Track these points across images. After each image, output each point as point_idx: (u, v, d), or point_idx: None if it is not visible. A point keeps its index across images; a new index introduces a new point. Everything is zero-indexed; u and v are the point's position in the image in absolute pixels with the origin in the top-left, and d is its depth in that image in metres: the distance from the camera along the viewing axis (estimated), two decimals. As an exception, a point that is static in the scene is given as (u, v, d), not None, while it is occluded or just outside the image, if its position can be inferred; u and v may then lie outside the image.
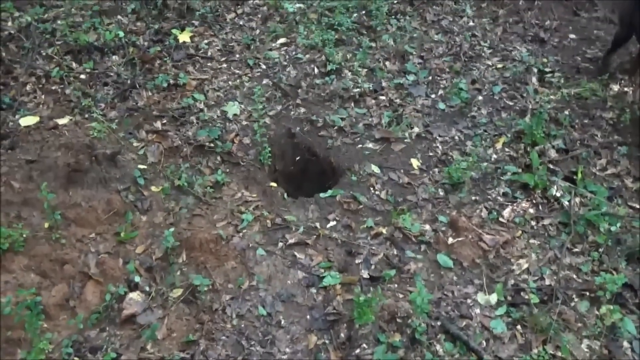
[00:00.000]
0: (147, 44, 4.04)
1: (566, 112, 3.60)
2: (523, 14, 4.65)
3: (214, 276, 2.65)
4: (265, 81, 3.86)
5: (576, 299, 2.60)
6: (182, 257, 2.72)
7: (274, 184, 3.23)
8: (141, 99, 3.61)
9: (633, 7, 3.61)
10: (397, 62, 4.08)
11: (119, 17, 4.30)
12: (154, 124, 3.42)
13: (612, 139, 3.40)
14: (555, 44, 4.33)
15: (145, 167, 3.14)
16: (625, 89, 3.79)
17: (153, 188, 3.03)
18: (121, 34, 4.00)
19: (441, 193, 3.15)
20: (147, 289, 2.57)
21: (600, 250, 2.79)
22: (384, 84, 3.88)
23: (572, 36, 4.40)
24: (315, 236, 2.90)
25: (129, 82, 3.69)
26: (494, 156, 3.35)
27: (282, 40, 4.23)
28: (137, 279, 2.58)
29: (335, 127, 3.54)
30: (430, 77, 3.95)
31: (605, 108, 3.61)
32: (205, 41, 4.17)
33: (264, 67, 3.99)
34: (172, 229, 2.76)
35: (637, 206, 3.02)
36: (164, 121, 3.47)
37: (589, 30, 4.43)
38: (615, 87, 3.80)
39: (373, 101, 3.77)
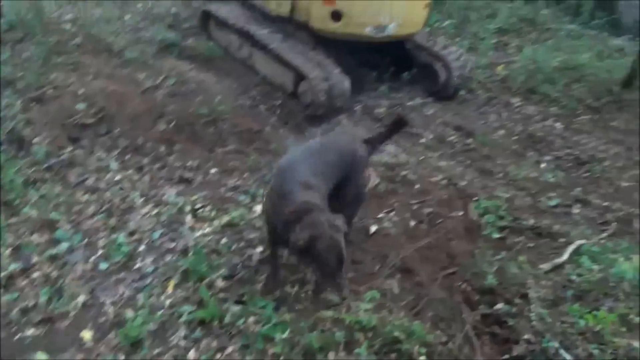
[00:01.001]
0: None
1: (223, 241, 3.89)
2: (166, 158, 4.95)
3: None
4: None
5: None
6: None
7: None
8: None
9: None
10: (46, 233, 3.84)
11: None
12: None
13: (266, 254, 3.78)
14: (200, 180, 4.71)
15: None
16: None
17: None
18: None
19: (122, 357, 2.98)
20: None
21: (282, 358, 3.01)
22: (35, 259, 3.58)
23: (213, 170, 4.87)
24: None
25: None
26: (168, 301, 3.37)
27: None
28: None
29: (-18, 324, 3.08)
30: (86, 240, 3.82)
31: (254, 228, 4.03)
32: None
33: None
34: None
35: (300, 307, 3.39)
36: None
37: (225, 163, 4.97)
38: (258, 207, 4.31)
39: (25, 281, 3.43)
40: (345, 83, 5.83)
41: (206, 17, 7.54)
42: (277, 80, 6.33)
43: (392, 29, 6.02)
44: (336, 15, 5.84)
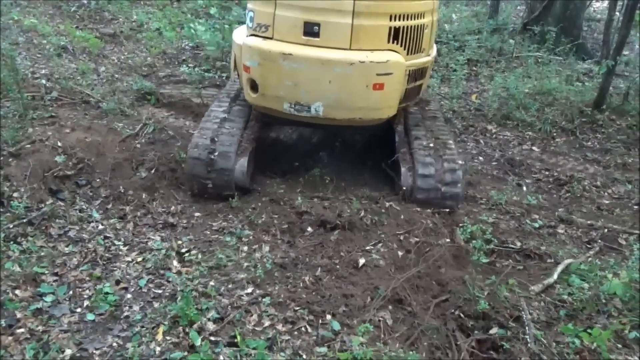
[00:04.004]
0: None
1: (211, 283, 3.84)
2: (148, 205, 4.91)
3: None
4: None
5: None
6: None
7: None
8: None
9: None
10: (30, 287, 3.74)
11: None
12: None
13: (255, 294, 3.74)
14: (184, 224, 4.67)
15: None
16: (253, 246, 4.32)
17: None
18: None
19: (113, 411, 2.88)
20: None
21: (278, 400, 2.94)
22: (18, 315, 3.47)
23: (198, 214, 4.84)
24: None
25: None
26: (158, 349, 3.27)
27: None
28: None
29: (-35, 387, 2.96)
30: (71, 292, 3.73)
31: (241, 269, 3.99)
32: None
33: None
34: None
35: (294, 345, 3.33)
36: None
37: (208, 205, 4.94)
38: (245, 248, 4.28)
39: (10, 338, 3.32)
40: (239, 163, 5.02)
41: None
42: None
43: (320, 110, 4.89)
44: (253, 85, 5.05)
